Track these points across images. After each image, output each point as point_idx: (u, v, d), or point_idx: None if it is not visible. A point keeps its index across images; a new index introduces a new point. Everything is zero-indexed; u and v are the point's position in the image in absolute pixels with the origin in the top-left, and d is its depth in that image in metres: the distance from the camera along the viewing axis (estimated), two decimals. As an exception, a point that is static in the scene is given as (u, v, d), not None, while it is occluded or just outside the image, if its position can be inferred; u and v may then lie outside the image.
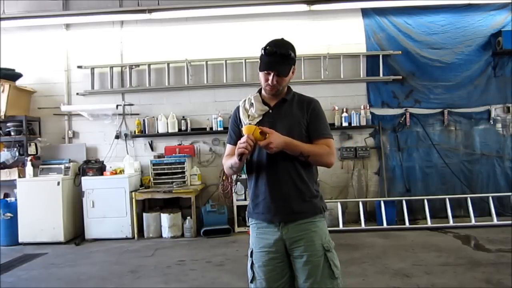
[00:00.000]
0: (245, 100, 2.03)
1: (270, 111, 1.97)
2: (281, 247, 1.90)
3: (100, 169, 5.76)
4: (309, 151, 1.85)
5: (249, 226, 2.11)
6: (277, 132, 1.80)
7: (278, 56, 1.84)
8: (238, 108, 2.06)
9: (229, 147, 2.06)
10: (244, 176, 5.55)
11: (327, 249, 1.88)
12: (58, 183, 5.46)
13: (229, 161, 1.95)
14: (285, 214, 1.89)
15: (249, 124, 1.89)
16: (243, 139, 1.78)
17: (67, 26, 6.25)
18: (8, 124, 5.84)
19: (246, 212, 2.07)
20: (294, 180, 1.89)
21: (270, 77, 1.87)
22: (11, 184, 5.69)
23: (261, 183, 1.93)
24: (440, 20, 6.09)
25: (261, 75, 1.93)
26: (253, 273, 1.95)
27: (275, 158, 1.86)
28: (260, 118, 1.94)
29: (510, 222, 5.35)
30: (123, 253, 4.95)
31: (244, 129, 1.82)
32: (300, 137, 1.89)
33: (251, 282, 1.96)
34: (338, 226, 5.45)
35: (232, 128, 2.07)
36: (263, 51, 1.88)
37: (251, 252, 1.98)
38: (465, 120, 6.09)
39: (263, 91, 2.00)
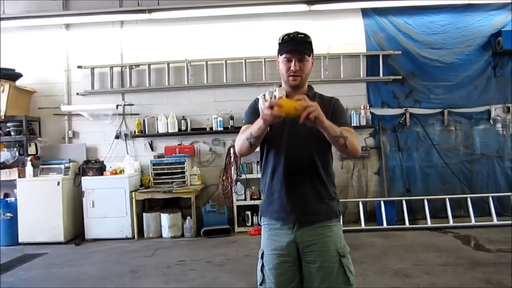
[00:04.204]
0: (264, 94, 1.92)
1: None
2: (293, 250, 1.83)
3: (100, 169, 5.76)
4: (346, 135, 1.68)
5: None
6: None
7: (298, 40, 1.80)
8: (256, 100, 1.95)
9: (244, 126, 1.91)
10: (244, 176, 5.61)
11: (342, 255, 1.81)
12: (58, 183, 5.46)
13: (247, 131, 1.75)
14: (300, 214, 1.81)
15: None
16: (269, 109, 1.54)
17: (67, 26, 6.25)
18: (8, 124, 5.84)
19: (259, 210, 1.99)
20: (313, 180, 1.82)
21: (292, 64, 1.80)
22: (11, 184, 5.69)
23: (277, 180, 1.84)
24: (440, 20, 6.09)
25: (282, 65, 1.85)
26: (263, 275, 1.88)
27: (294, 156, 1.79)
28: None
29: (510, 222, 5.34)
30: (123, 253, 4.95)
31: (281, 101, 1.55)
32: (321, 132, 1.74)
33: (261, 284, 1.89)
34: (338, 226, 5.45)
35: (250, 111, 1.95)
36: (280, 39, 1.83)
37: (262, 254, 1.90)
38: (465, 120, 6.09)
39: (284, 85, 1.91)
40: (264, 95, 1.90)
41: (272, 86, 1.93)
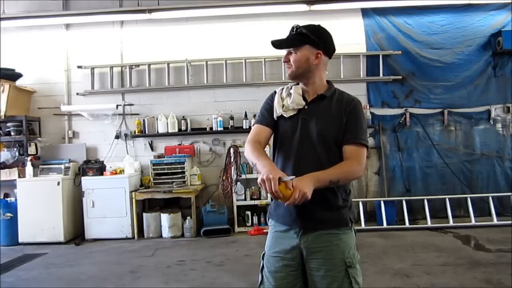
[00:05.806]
0: (282, 89, 1.89)
1: (306, 106, 1.81)
2: (297, 255, 1.76)
3: (100, 169, 5.76)
4: (338, 177, 1.66)
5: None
6: (300, 178, 1.58)
7: (292, 34, 1.81)
8: (273, 94, 1.91)
9: (256, 127, 1.87)
10: (244, 176, 5.60)
11: (349, 265, 1.72)
12: (58, 183, 5.46)
13: (253, 158, 1.73)
14: (305, 221, 1.74)
15: (283, 113, 1.81)
16: (271, 189, 1.52)
17: (67, 26, 6.25)
18: (8, 124, 5.84)
19: (268, 211, 1.95)
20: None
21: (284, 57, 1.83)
22: (11, 184, 5.69)
23: None
24: (440, 20, 6.09)
25: None
26: (262, 277, 1.83)
27: (302, 159, 1.73)
28: (295, 112, 1.80)
29: (510, 222, 5.35)
30: (123, 253, 4.95)
31: (282, 191, 1.55)
32: (334, 139, 1.75)
33: (259, 285, 1.86)
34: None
35: (265, 108, 1.90)
36: None
37: (263, 255, 1.86)
38: (465, 120, 6.09)
39: (301, 84, 1.87)
40: (283, 89, 1.90)
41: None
